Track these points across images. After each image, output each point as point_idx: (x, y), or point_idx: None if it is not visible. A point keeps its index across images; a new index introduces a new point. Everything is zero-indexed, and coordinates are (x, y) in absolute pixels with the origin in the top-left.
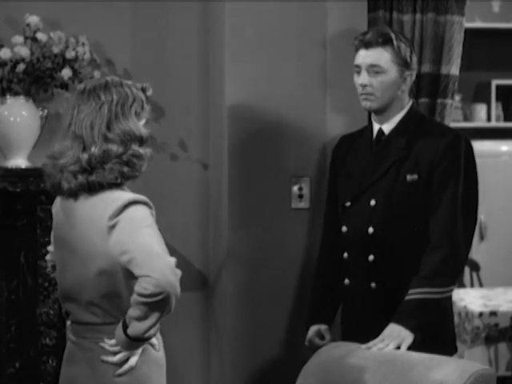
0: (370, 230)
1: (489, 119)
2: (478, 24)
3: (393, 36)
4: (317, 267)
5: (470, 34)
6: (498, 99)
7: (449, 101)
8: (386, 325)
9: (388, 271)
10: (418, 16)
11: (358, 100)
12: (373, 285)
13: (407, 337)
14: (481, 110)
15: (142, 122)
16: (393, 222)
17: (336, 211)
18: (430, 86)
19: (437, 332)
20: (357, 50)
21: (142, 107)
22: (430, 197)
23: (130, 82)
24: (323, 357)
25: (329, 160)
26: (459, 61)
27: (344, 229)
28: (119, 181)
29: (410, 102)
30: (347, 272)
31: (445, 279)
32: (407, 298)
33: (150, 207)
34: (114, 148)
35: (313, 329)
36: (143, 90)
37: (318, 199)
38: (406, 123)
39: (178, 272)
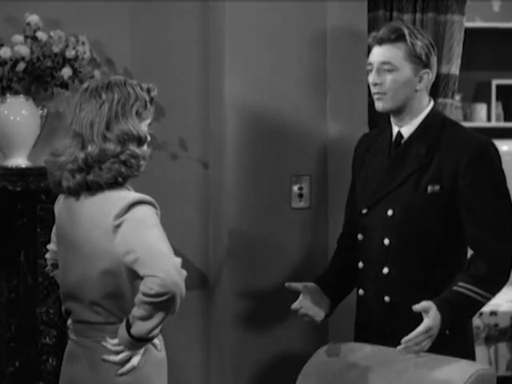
0: (386, 241)
1: (489, 119)
2: (479, 23)
3: (406, 32)
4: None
5: (470, 33)
6: (498, 99)
7: (449, 100)
8: (400, 339)
9: (402, 285)
10: (418, 15)
11: (358, 99)
12: (386, 298)
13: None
14: (481, 109)
15: (146, 122)
16: (410, 234)
17: (350, 215)
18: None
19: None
20: (371, 47)
21: (145, 107)
22: (454, 209)
23: (134, 82)
24: (323, 356)
25: (329, 159)
26: (459, 60)
27: (360, 237)
28: (119, 180)
29: (431, 104)
30: (361, 282)
31: (494, 286)
32: (455, 289)
33: (155, 207)
34: (112, 147)
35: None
36: (148, 90)
37: (318, 198)
38: (426, 127)
39: (184, 272)
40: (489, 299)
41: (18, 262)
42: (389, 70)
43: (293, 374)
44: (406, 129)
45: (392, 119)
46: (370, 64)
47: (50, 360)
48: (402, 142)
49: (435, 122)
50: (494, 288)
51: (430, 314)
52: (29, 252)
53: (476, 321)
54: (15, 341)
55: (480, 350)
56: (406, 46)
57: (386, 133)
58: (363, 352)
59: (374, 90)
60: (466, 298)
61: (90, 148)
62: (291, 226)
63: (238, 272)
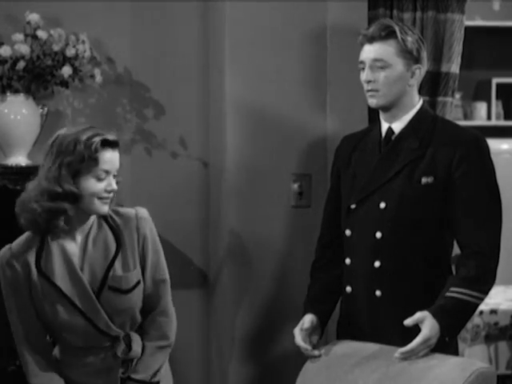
0: (378, 234)
1: (489, 117)
2: (479, 22)
3: (396, 28)
4: (312, 269)
5: (471, 32)
6: (498, 97)
7: (449, 99)
8: (391, 336)
9: (395, 278)
10: (419, 14)
11: (358, 97)
12: (378, 293)
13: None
14: (481, 108)
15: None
16: (403, 226)
17: (336, 213)
18: (430, 84)
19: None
20: (361, 45)
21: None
22: (446, 201)
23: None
24: (324, 354)
25: (329, 157)
26: (459, 59)
27: (348, 232)
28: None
29: (421, 101)
30: (349, 279)
31: (485, 286)
32: (449, 294)
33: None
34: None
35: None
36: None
37: (318, 197)
38: (417, 122)
39: None
40: (482, 299)
41: None
42: (381, 67)
43: (293, 373)
44: (397, 124)
45: (382, 116)
46: (362, 62)
47: None
48: (393, 137)
49: (426, 118)
50: (486, 287)
51: (425, 324)
52: None
53: (476, 319)
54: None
55: (480, 349)
56: (397, 42)
57: (373, 131)
58: (363, 350)
59: (367, 87)
60: (460, 302)
61: None
62: (291, 225)
63: (238, 271)
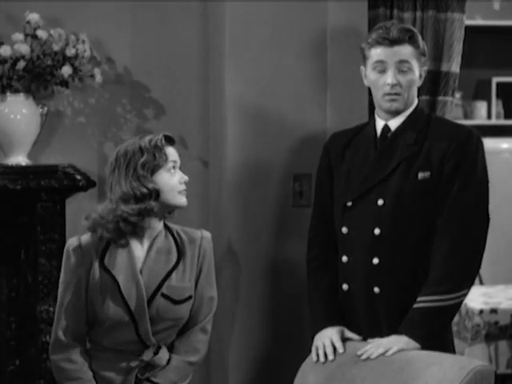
0: (377, 231)
1: (489, 117)
2: (479, 22)
3: (416, 32)
4: (309, 271)
5: (471, 31)
6: (498, 97)
7: (449, 98)
8: (389, 332)
9: (393, 275)
10: (419, 13)
11: (358, 97)
12: (376, 289)
13: (412, 347)
14: (481, 107)
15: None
16: (402, 222)
17: (329, 210)
18: (430, 84)
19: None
20: (376, 46)
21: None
22: (441, 195)
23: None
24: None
25: None
26: (460, 58)
27: (344, 230)
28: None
29: (416, 99)
30: (346, 276)
31: (453, 285)
32: (415, 306)
33: (70, 252)
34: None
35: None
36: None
37: None
38: (413, 119)
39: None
40: (458, 297)
41: (18, 261)
42: (405, 71)
43: (292, 371)
44: (393, 121)
45: (381, 114)
46: (381, 63)
47: None
48: (389, 134)
49: (421, 115)
50: (456, 287)
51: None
52: (29, 250)
53: (476, 318)
54: (15, 339)
55: (480, 348)
56: (417, 45)
57: (367, 128)
58: (361, 349)
59: (389, 90)
60: (427, 310)
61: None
62: (291, 225)
63: (238, 271)
